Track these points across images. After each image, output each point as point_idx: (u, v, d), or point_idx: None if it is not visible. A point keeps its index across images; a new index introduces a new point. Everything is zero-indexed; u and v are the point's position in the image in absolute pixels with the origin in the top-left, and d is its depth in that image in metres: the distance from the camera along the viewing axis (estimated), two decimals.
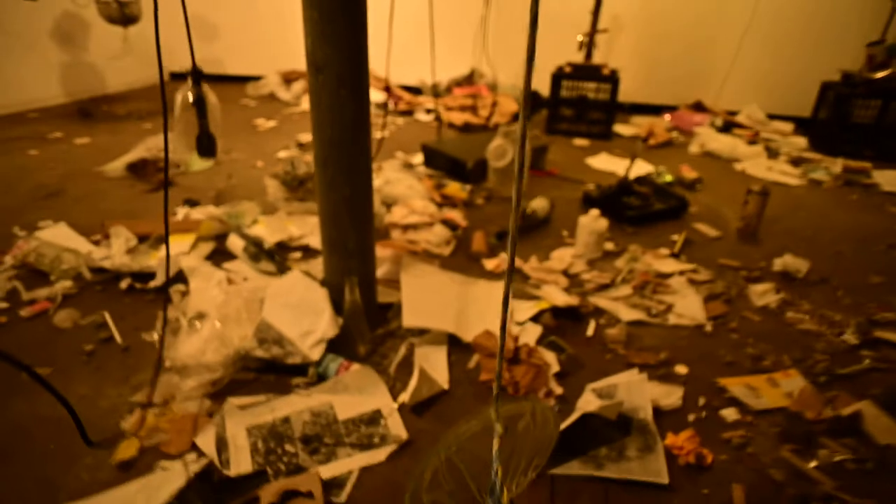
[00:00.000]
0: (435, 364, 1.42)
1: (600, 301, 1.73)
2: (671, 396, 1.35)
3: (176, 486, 1.08)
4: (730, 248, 2.14)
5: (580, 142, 3.45)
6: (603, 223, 1.97)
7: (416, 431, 1.24)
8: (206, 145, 1.44)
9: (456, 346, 1.49)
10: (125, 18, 3.55)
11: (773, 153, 3.27)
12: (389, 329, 1.55)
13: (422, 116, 3.87)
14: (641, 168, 2.84)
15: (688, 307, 1.71)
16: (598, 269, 1.92)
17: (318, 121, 1.33)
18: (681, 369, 1.46)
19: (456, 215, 2.19)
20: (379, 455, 1.18)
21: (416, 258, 1.83)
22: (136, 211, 2.31)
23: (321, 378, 1.36)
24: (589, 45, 3.57)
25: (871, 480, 1.16)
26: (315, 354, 1.37)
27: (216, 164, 2.95)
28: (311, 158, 1.80)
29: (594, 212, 1.99)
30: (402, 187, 2.40)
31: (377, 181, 2.49)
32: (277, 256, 1.84)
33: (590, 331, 1.59)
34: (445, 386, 1.36)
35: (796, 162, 3.14)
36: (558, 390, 1.34)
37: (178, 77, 5.03)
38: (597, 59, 3.64)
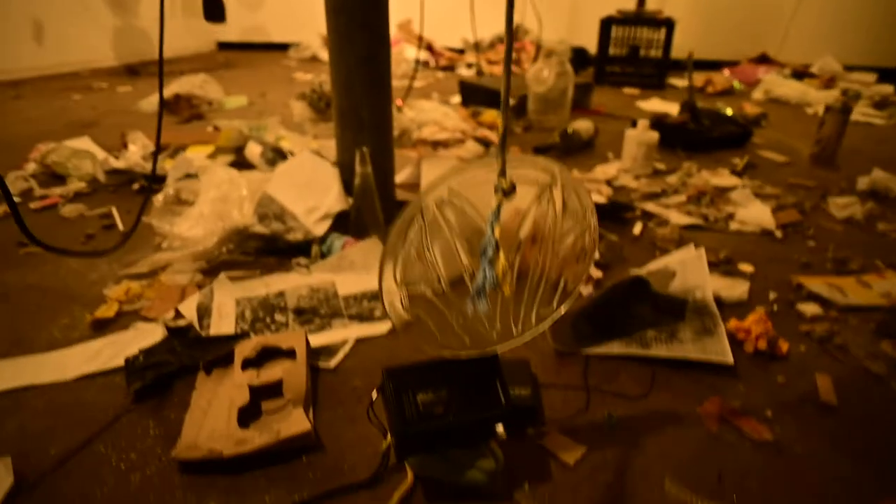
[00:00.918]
0: None
1: (649, 206, 1.51)
2: (735, 289, 1.12)
3: (147, 342, 0.95)
4: (802, 172, 1.87)
5: (631, 90, 3.20)
6: (653, 135, 1.75)
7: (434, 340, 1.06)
8: (212, 7, 1.32)
9: None
10: None
11: (851, 99, 2.92)
12: None
13: (463, 71, 3.72)
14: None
15: (752, 215, 1.46)
16: (648, 182, 1.69)
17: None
18: (746, 267, 1.23)
19: (489, 133, 2.01)
20: (380, 328, 1.01)
21: (439, 156, 1.66)
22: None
23: (325, 258, 1.21)
24: None
25: None
26: (319, 230, 1.22)
27: (250, 104, 2.89)
28: None
29: (643, 122, 1.77)
30: (435, 114, 2.24)
31: (410, 112, 2.34)
32: None
33: (636, 230, 1.37)
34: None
35: (880, 105, 2.78)
36: (597, 274, 1.14)
37: (225, 46, 5.08)
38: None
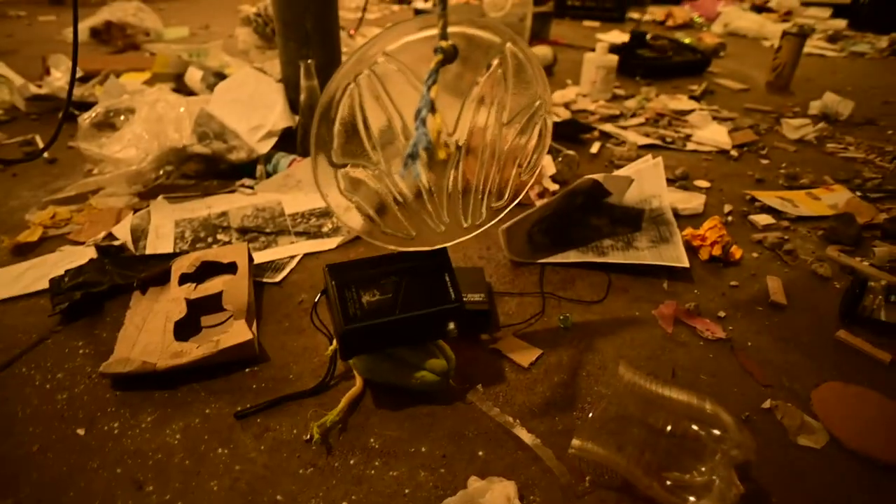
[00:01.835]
0: None
1: (607, 127, 1.48)
2: (691, 202, 1.11)
3: (75, 264, 0.87)
4: (758, 98, 1.87)
5: (590, 23, 3.13)
6: (612, 58, 1.70)
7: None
8: None
9: None
10: None
11: (807, 30, 2.92)
12: None
13: (419, 3, 3.54)
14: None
15: (709, 135, 1.46)
16: (606, 106, 1.66)
17: None
18: (702, 183, 1.22)
19: None
20: (328, 243, 0.96)
21: None
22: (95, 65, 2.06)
23: (270, 178, 1.14)
24: None
25: None
26: (263, 148, 1.14)
27: (191, 35, 2.68)
28: None
29: (602, 45, 1.72)
30: None
31: (359, 40, 2.22)
32: None
33: (594, 149, 1.35)
34: None
35: (833, 39, 2.80)
36: (553, 187, 1.11)
37: None
38: None
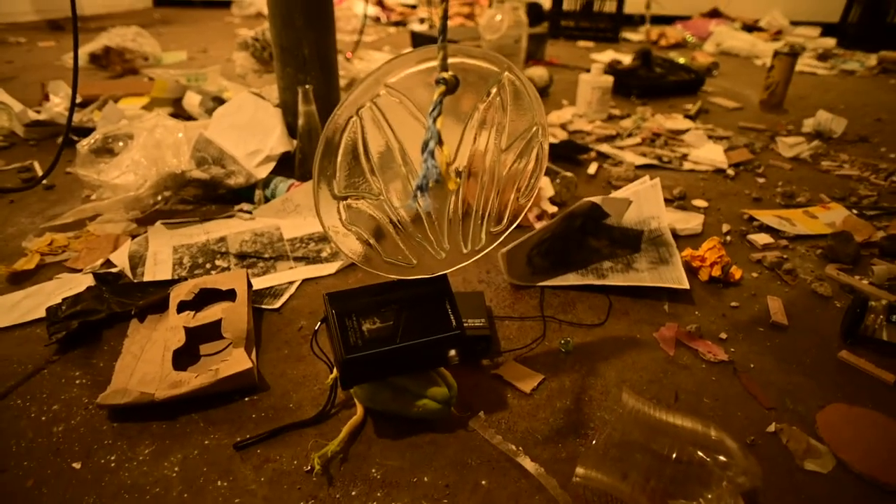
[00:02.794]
0: None
1: (603, 147, 1.49)
2: (690, 222, 1.12)
3: (72, 292, 0.87)
4: (752, 116, 1.88)
5: (585, 43, 3.17)
6: (608, 79, 1.72)
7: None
8: None
9: None
10: None
11: (798, 49, 2.97)
12: None
13: (415, 26, 3.59)
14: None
15: (706, 154, 1.47)
16: (603, 126, 1.67)
17: None
18: (700, 202, 1.23)
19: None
20: (327, 268, 0.96)
21: None
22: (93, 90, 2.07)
23: (269, 202, 1.14)
24: None
25: None
26: (262, 173, 1.15)
27: (190, 59, 2.71)
28: None
29: (598, 66, 1.74)
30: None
31: (360, 63, 2.24)
32: None
33: (591, 169, 1.36)
34: None
35: (823, 57, 2.84)
36: (552, 209, 1.11)
37: (161, 2, 4.76)
38: None
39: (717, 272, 0.95)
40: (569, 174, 1.18)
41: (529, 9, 3.55)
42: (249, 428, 0.66)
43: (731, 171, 1.40)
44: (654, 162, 1.43)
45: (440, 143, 0.45)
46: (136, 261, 0.97)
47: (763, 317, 0.87)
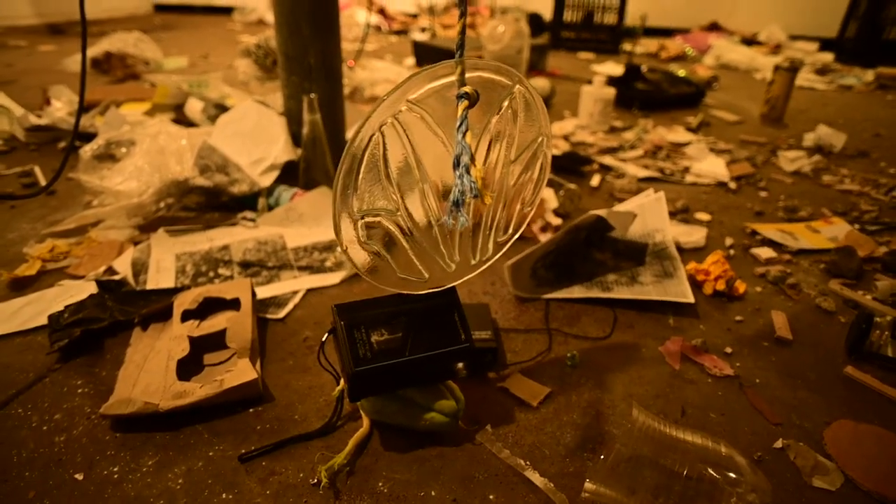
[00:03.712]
0: None
1: (606, 159, 1.49)
2: (693, 235, 1.12)
3: (74, 299, 0.86)
4: (753, 129, 1.90)
5: (585, 55, 3.19)
6: (610, 90, 1.73)
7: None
8: None
9: None
10: None
11: (797, 64, 3.00)
12: None
13: (417, 35, 3.61)
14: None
15: (708, 168, 1.47)
16: (605, 137, 1.68)
17: None
18: (702, 216, 1.23)
19: None
20: (331, 278, 0.96)
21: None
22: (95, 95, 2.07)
23: (273, 210, 1.13)
24: None
25: None
26: (266, 181, 1.14)
27: (191, 65, 2.71)
28: None
29: (600, 78, 1.75)
30: (388, 73, 2.16)
31: (363, 72, 2.25)
32: None
33: (594, 182, 1.36)
34: None
35: (822, 72, 2.87)
36: (556, 221, 1.11)
37: (162, 9, 4.77)
38: None
39: (721, 286, 0.95)
40: (573, 186, 1.18)
41: (531, 20, 3.58)
42: (254, 440, 0.65)
43: (733, 185, 1.41)
44: (657, 174, 1.44)
45: (473, 158, 0.45)
46: (139, 268, 0.97)
47: (768, 331, 0.87)
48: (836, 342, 0.85)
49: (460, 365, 0.63)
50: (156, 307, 0.82)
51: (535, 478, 0.60)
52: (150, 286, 0.92)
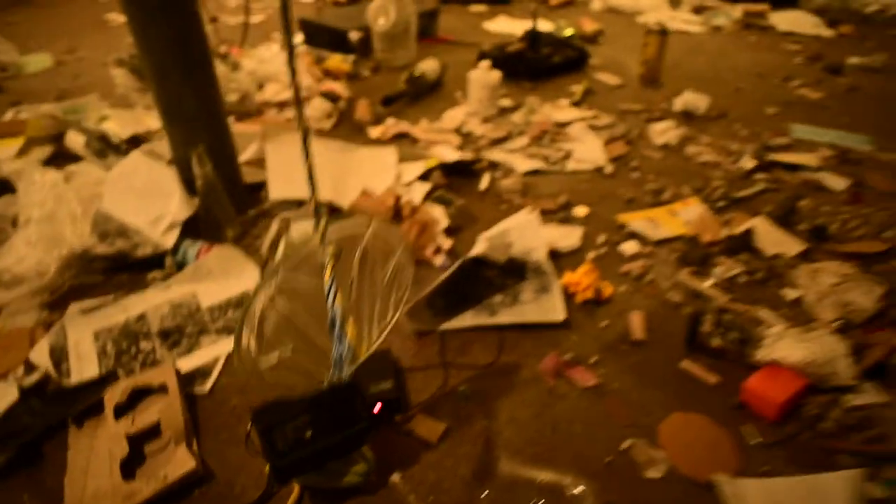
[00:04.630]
0: None
1: (495, 154, 1.60)
2: (570, 237, 1.27)
3: None
4: (632, 94, 2.05)
5: (477, 7, 3.18)
6: (495, 75, 1.81)
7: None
8: None
9: (338, 216, 1.34)
10: None
11: (675, 3, 3.14)
12: (263, 209, 1.37)
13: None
14: (541, 26, 2.64)
15: (587, 152, 1.62)
16: (494, 125, 1.78)
17: None
18: (580, 211, 1.38)
19: (336, 86, 1.95)
20: None
21: (281, 127, 1.62)
22: None
23: (181, 268, 1.18)
24: None
25: (760, 289, 1.14)
26: (169, 241, 1.18)
27: (58, 64, 2.50)
28: None
29: (484, 63, 1.81)
30: (276, 65, 2.11)
31: (250, 63, 2.18)
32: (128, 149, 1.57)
33: (483, 184, 1.47)
34: None
35: (698, 10, 3.03)
36: (447, 244, 1.23)
37: None
38: None
39: (590, 294, 1.11)
40: (461, 201, 1.30)
41: None
42: None
43: (609, 168, 1.56)
44: (541, 165, 1.56)
45: (344, 321, 0.55)
46: (59, 355, 1.01)
47: (627, 334, 1.04)
48: (678, 337, 1.03)
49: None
50: (86, 404, 0.89)
51: None
52: (74, 376, 0.97)
